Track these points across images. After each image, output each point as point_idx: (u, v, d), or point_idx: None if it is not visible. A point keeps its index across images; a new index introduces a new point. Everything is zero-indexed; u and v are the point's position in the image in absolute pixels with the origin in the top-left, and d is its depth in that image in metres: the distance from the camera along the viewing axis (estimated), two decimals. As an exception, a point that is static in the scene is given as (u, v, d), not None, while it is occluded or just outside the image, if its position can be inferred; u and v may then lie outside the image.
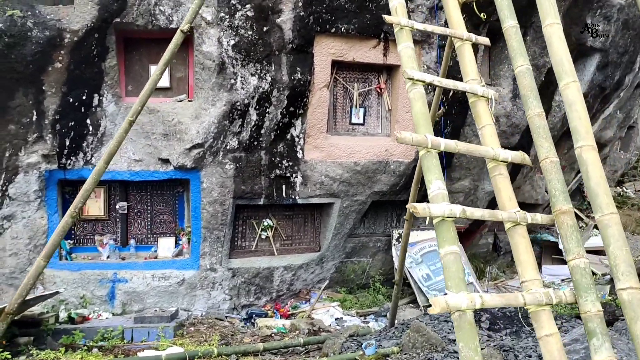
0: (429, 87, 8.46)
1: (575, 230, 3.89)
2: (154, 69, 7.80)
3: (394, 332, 6.52)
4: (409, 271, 9.35)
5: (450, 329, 5.98)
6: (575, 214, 17.18)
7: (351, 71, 8.49)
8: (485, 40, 4.68)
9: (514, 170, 10.90)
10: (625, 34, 10.94)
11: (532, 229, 15.97)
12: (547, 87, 10.14)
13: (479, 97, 4.42)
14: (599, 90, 11.46)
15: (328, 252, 8.95)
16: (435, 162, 3.82)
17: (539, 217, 4.06)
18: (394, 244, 9.63)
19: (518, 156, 4.25)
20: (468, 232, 11.74)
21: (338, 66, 8.36)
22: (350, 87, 8.49)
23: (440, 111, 6.13)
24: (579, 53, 10.88)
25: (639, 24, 11.00)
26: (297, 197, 8.24)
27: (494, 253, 13.10)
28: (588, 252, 12.29)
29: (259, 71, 7.45)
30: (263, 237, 8.49)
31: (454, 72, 8.52)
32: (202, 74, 7.38)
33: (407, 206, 3.62)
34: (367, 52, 8.18)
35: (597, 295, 3.71)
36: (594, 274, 12.17)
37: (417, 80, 4.11)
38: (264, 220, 8.44)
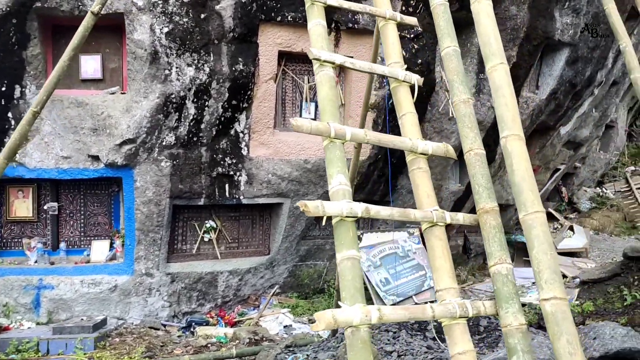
0: (383, 80, 7.99)
1: (499, 232, 3.42)
2: (85, 60, 7.29)
3: (333, 343, 6.03)
4: (366, 275, 8.86)
5: (389, 339, 5.49)
6: (551, 214, 16.83)
7: (301, 63, 8.00)
8: (412, 20, 4.19)
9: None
10: (595, 28, 10.53)
11: (507, 230, 15.55)
12: (514, 82, 9.62)
13: (400, 83, 3.95)
14: (570, 87, 11.03)
15: (279, 255, 8.45)
16: (339, 154, 3.34)
17: (461, 217, 3.59)
18: (352, 247, 9.13)
19: (440, 148, 3.77)
20: (435, 234, 11.26)
21: (287, 57, 7.87)
22: (301, 80, 7.99)
23: (373, 101, 5.60)
24: (547, 47, 10.46)
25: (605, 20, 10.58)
26: (241, 197, 7.73)
27: (464, 255, 12.64)
28: (561, 254, 11.90)
29: (196, 61, 6.94)
30: (206, 239, 7.96)
31: (410, 63, 8.08)
32: (134, 64, 6.86)
33: (297, 203, 3.14)
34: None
35: (519, 307, 3.24)
36: (564, 276, 11.77)
37: (324, 61, 3.63)
38: (206, 221, 7.91)
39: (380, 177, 8.80)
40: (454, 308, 3.11)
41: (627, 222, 18.65)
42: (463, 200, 10.77)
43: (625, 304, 8.85)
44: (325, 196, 8.41)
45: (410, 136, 3.70)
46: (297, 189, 7.99)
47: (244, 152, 7.58)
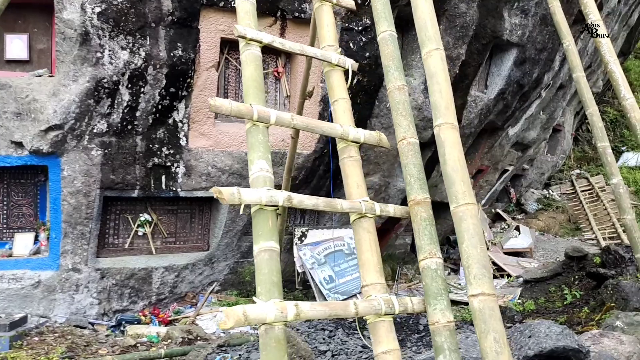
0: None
1: (430, 225, 3.25)
2: (10, 39, 6.81)
3: (268, 342, 5.77)
4: (310, 273, 8.66)
5: (324, 339, 5.28)
6: (498, 214, 17.05)
7: (245, 52, 7.69)
8: (348, 3, 3.99)
9: (430, 166, 10.41)
10: (544, 30, 10.63)
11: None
12: (462, 80, 9.67)
13: (333, 67, 3.73)
14: (517, 87, 11.12)
15: (218, 251, 8.13)
16: (262, 138, 3.09)
17: (391, 209, 3.39)
18: (296, 243, 8.92)
19: (373, 136, 3.58)
20: (382, 232, 11.17)
21: (230, 45, 7.57)
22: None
23: (311, 89, 5.37)
24: (496, 47, 10.49)
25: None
26: (179, 190, 7.38)
27: (412, 254, 12.60)
28: (507, 253, 11.95)
29: (130, 45, 6.55)
30: (140, 233, 7.57)
31: (358, 56, 7.92)
32: (63, 45, 6.41)
33: (211, 190, 2.87)
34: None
35: (448, 303, 3.08)
36: (509, 276, 11.89)
37: (251, 39, 3.37)
38: (141, 215, 7.52)
39: (327, 172, 8.60)
40: (379, 304, 2.92)
41: (572, 223, 19.12)
42: (411, 198, 10.69)
43: (565, 302, 8.93)
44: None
45: (342, 123, 3.49)
46: (239, 182, 7.69)
47: (183, 143, 7.24)
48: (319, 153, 8.17)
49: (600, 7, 13.93)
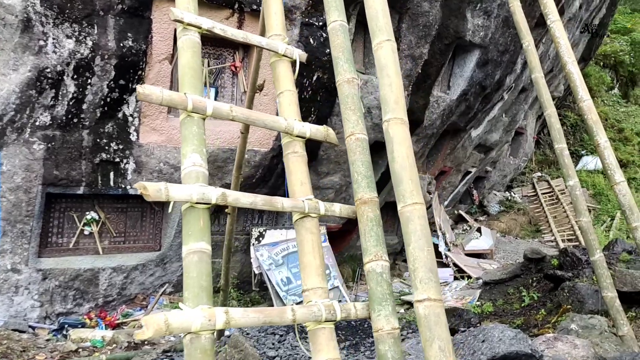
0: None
1: (376, 225, 3.07)
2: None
3: (217, 348, 5.53)
4: (267, 274, 8.43)
5: (273, 344, 5.07)
6: (461, 216, 17.12)
7: (202, 45, 7.40)
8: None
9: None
10: (506, 32, 10.65)
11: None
12: (424, 80, 9.58)
13: (280, 57, 3.51)
14: (480, 89, 11.11)
15: (171, 251, 7.83)
16: (197, 130, 2.86)
17: (337, 208, 3.20)
18: (253, 244, 8.67)
19: (320, 131, 3.38)
20: (343, 232, 11.02)
21: (185, 38, 7.27)
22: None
23: (261, 82, 5.13)
24: (459, 48, 10.45)
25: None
26: (128, 187, 7.05)
27: (374, 255, 12.46)
28: (469, 254, 11.91)
29: (76, 33, 6.21)
30: (86, 232, 7.20)
31: (318, 53, 7.72)
32: (3, 32, 6.03)
33: (135, 185, 2.63)
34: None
35: (393, 309, 2.89)
36: (469, 277, 11.89)
37: (189, 24, 3.13)
38: (87, 213, 7.16)
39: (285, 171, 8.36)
40: (320, 311, 2.73)
41: (532, 225, 19.36)
42: (372, 199, 10.56)
43: (523, 304, 8.93)
44: (224, 188, 7.89)
45: (287, 116, 3.29)
46: (193, 180, 7.40)
47: (133, 138, 6.92)
48: (277, 151, 7.95)
49: (561, 12, 14.11)
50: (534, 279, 9.73)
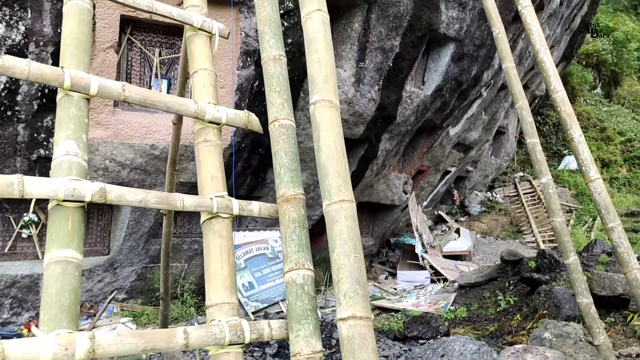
0: (248, 59, 7.08)
1: (300, 227, 2.60)
2: None
3: (156, 361, 5.02)
4: (227, 278, 7.91)
5: None
6: (440, 216, 16.72)
7: (152, 33, 6.91)
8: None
9: (363, 165, 9.82)
10: (482, 25, 10.24)
11: (397, 231, 15.21)
12: (396, 74, 9.13)
13: (196, 31, 3.03)
14: (456, 85, 10.70)
15: (121, 255, 7.29)
16: (76, 112, 2.37)
17: (256, 207, 2.72)
18: (214, 247, 8.14)
19: (240, 117, 2.89)
20: (314, 233, 10.52)
21: (133, 25, 6.76)
22: (151, 53, 6.90)
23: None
24: (433, 41, 10.02)
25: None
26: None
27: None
28: (447, 256, 11.48)
29: (7, 17, 5.67)
30: (24, 235, 6.64)
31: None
32: None
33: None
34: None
35: (315, 328, 2.40)
36: (445, 280, 11.47)
37: (75, -16, 2.62)
38: (25, 214, 6.61)
39: (246, 170, 7.88)
40: (222, 332, 2.23)
41: (513, 226, 19.01)
42: (343, 199, 10.08)
43: (498, 309, 8.50)
44: (181, 189, 7.38)
45: (199, 98, 2.80)
46: (143, 178, 6.89)
47: (75, 133, 6.38)
48: (237, 147, 7.45)
49: (540, 7, 13.76)
50: (511, 282, 9.32)
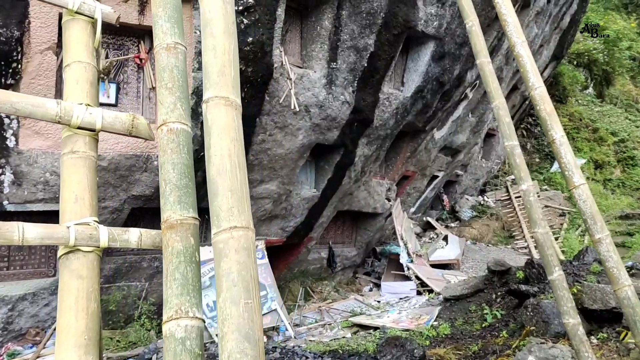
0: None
1: (185, 262, 2.03)
2: None
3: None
4: (190, 298, 7.31)
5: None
6: (429, 223, 16.15)
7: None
8: None
9: (340, 172, 9.25)
10: (463, 23, 9.66)
11: (383, 240, 14.62)
12: (372, 74, 8.58)
13: (73, 15, 2.44)
14: (437, 85, 10.15)
15: (70, 276, 6.68)
16: None
17: (134, 235, 2.14)
18: (176, 263, 7.54)
19: (121, 121, 2.31)
20: (289, 246, 9.94)
21: (76, 25, 6.17)
22: (96, 55, 6.32)
23: (107, 64, 3.97)
24: (412, 40, 9.49)
25: (478, 12, 9.81)
26: (5, 203, 5.90)
27: (329, 268, 11.44)
28: (434, 265, 10.88)
29: None
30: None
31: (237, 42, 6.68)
32: None
33: None
34: (115, 8, 6.03)
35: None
36: (430, 292, 10.90)
37: None
38: (-45, 234, 6.00)
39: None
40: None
41: (505, 231, 18.44)
42: (319, 208, 9.52)
43: (484, 324, 7.92)
44: (133, 201, 6.79)
45: (71, 98, 2.21)
46: (90, 192, 6.28)
47: (10, 144, 5.79)
48: (195, 156, 6.85)
49: (527, 5, 13.26)
50: (498, 293, 8.74)
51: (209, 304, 7.41)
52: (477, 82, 12.38)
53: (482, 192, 21.92)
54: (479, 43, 5.38)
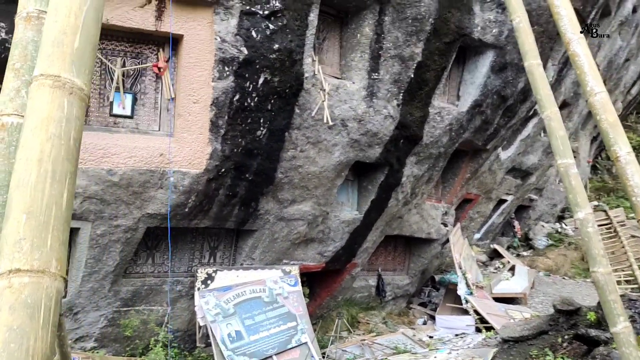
0: (226, 68, 6.01)
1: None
2: None
3: None
4: (210, 327, 6.75)
5: None
6: (496, 251, 14.86)
7: (114, 41, 5.99)
8: None
9: (384, 193, 8.46)
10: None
11: (443, 267, 13.53)
12: (420, 87, 7.78)
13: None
14: (499, 100, 9.17)
15: (81, 299, 6.30)
16: None
17: None
18: (199, 288, 7.03)
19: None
20: (331, 273, 9.20)
21: (92, 33, 5.85)
22: (112, 64, 5.97)
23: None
24: (467, 48, 8.61)
25: (546, 18, 8.81)
26: (10, 218, 5.62)
27: (378, 298, 10.57)
28: (498, 299, 9.78)
29: None
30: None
31: (263, 50, 6.11)
32: None
33: None
34: (130, 13, 5.70)
35: None
36: (491, 328, 9.73)
37: None
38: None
39: (231, 198, 6.74)
40: None
41: (585, 262, 16.71)
42: (362, 233, 8.74)
43: (547, 374, 6.80)
44: (148, 219, 6.35)
45: None
46: (100, 209, 5.90)
47: (18, 156, 5.51)
48: (214, 173, 6.34)
49: (607, 13, 11.98)
50: (565, 337, 7.55)
51: (230, 333, 6.81)
52: (548, 97, 11.19)
53: (560, 218, 20.20)
54: (528, 42, 4.51)
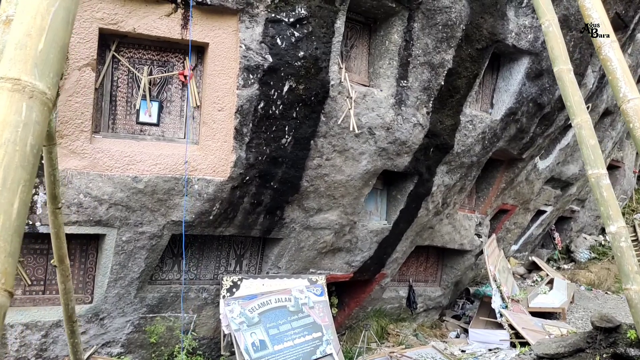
0: (250, 75, 5.98)
1: None
2: None
3: None
4: (234, 336, 6.71)
5: None
6: (534, 263, 14.38)
7: (141, 49, 6.05)
8: None
9: (414, 202, 8.28)
10: (566, 35, 8.38)
11: (478, 279, 13.18)
12: (451, 94, 7.60)
13: None
14: (535, 107, 8.87)
15: (107, 304, 6.36)
16: None
17: None
18: (224, 296, 7.01)
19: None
20: (359, 283, 9.06)
21: (120, 41, 5.94)
22: (139, 72, 6.03)
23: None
24: (502, 55, 8.39)
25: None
26: (37, 224, 5.70)
27: (409, 309, 10.35)
28: (534, 314, 9.46)
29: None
30: (-10, 278, 5.93)
31: (289, 57, 6.04)
32: None
33: None
34: (156, 22, 5.75)
35: None
36: (526, 344, 9.37)
37: None
38: (-10, 254, 5.89)
39: (256, 207, 6.70)
40: None
41: (630, 277, 15.99)
42: (392, 243, 8.56)
43: (581, 395, 6.48)
44: (173, 227, 6.37)
45: None
46: (126, 216, 5.94)
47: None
48: (239, 181, 6.32)
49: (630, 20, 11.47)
50: (603, 356, 7.20)
51: (254, 342, 6.75)
52: (589, 104, 10.80)
53: (604, 230, 19.42)
54: (557, 47, 4.30)
